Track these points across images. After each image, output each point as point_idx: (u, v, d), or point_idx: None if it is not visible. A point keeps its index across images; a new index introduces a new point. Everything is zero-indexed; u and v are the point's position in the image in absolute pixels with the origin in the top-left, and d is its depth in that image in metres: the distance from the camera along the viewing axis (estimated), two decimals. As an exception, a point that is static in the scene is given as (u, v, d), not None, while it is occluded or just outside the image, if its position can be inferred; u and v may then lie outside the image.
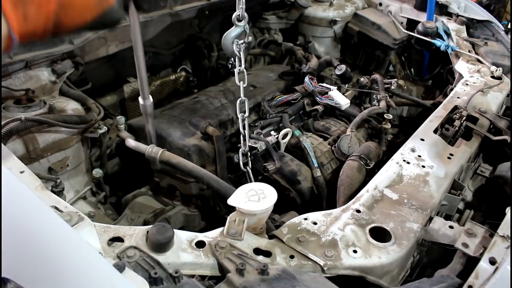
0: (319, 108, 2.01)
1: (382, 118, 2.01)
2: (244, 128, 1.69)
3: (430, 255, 1.19)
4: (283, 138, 1.82)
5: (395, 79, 2.27)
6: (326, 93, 2.04)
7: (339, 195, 1.48)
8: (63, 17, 0.81)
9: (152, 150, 1.52)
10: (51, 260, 0.76)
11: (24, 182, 0.97)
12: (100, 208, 1.69)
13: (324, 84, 2.09)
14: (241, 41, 1.66)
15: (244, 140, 1.69)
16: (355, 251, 1.04)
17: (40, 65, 1.70)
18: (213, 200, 1.77)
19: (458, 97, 1.82)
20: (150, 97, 1.52)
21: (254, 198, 1.02)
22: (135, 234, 0.98)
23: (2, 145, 1.24)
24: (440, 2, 2.60)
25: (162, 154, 1.50)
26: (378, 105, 2.08)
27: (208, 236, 1.02)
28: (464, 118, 1.67)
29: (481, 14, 2.60)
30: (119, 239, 0.96)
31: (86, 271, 0.77)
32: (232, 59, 1.77)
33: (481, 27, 2.56)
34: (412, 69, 2.86)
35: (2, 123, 1.36)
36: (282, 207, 1.47)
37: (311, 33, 2.80)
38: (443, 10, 2.63)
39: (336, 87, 2.07)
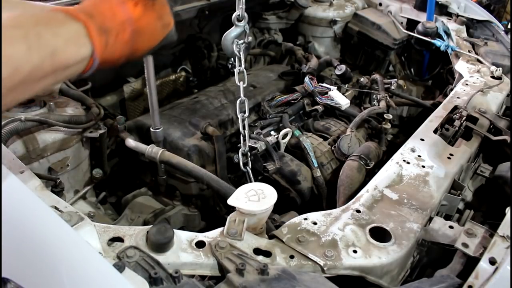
0: (319, 108, 2.01)
1: (382, 118, 2.01)
2: (244, 128, 1.69)
3: (430, 255, 1.19)
4: (283, 138, 1.82)
5: (395, 79, 2.27)
6: (326, 93, 2.04)
7: (339, 195, 1.48)
8: (136, 44, 0.86)
9: (152, 150, 1.52)
10: (51, 260, 0.76)
11: (24, 182, 0.96)
12: (100, 208, 1.70)
13: (324, 84, 2.09)
14: (241, 41, 1.66)
15: (244, 140, 1.69)
16: (355, 251, 1.04)
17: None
18: (213, 200, 1.77)
19: (458, 97, 1.82)
20: (161, 126, 1.61)
21: (254, 198, 1.02)
22: (135, 234, 0.98)
23: (2, 145, 1.24)
24: (440, 2, 2.60)
25: (162, 154, 1.50)
26: (378, 105, 2.08)
27: (208, 236, 1.02)
28: (464, 118, 1.67)
29: (481, 14, 2.60)
30: (119, 239, 0.96)
31: (86, 271, 0.77)
32: (232, 59, 1.77)
33: (481, 27, 2.56)
34: (412, 69, 2.86)
35: (2, 123, 1.36)
36: (282, 207, 1.47)
37: (311, 33, 2.80)
38: (443, 10, 2.63)
39: (336, 87, 2.07)
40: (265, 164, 1.73)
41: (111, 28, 0.80)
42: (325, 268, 0.99)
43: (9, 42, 0.62)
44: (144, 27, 0.87)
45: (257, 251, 1.01)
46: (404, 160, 1.40)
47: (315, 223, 1.11)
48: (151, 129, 1.60)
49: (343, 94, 2.09)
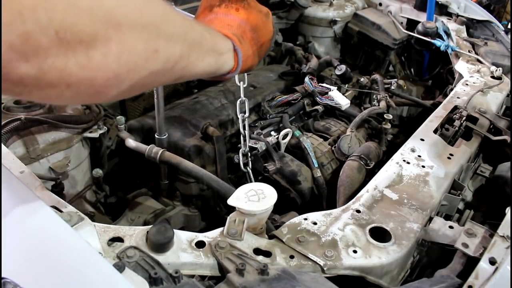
0: (319, 108, 2.01)
1: (382, 118, 2.01)
2: (244, 129, 1.69)
3: (430, 255, 1.19)
4: (283, 139, 1.82)
5: (395, 79, 2.27)
6: (326, 93, 2.04)
7: (339, 195, 1.48)
8: (258, 39, 0.96)
9: (152, 150, 1.52)
10: (51, 260, 0.76)
11: (24, 182, 0.97)
12: (100, 208, 1.70)
13: (324, 84, 2.09)
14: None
15: (244, 140, 1.69)
16: (355, 251, 1.04)
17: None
18: (213, 201, 1.77)
19: (458, 97, 1.82)
20: (166, 133, 1.63)
21: (254, 198, 1.02)
22: (135, 234, 0.98)
23: (2, 145, 1.24)
24: (440, 2, 2.60)
25: (162, 154, 1.50)
26: (378, 105, 2.08)
27: (208, 236, 1.02)
28: (464, 118, 1.67)
29: (481, 14, 2.60)
30: (119, 239, 0.97)
31: (86, 271, 0.77)
32: (232, 59, 1.76)
33: (481, 27, 2.56)
34: (412, 69, 2.86)
35: (2, 123, 1.36)
36: (282, 207, 1.47)
37: (311, 33, 2.80)
38: (443, 10, 2.63)
39: (336, 87, 2.07)
40: (265, 164, 1.73)
41: (235, 34, 0.88)
42: (325, 268, 0.99)
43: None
44: (255, 23, 0.95)
45: (257, 251, 1.01)
46: (404, 160, 1.40)
47: (315, 223, 1.11)
48: (156, 136, 1.60)
49: (343, 94, 2.09)
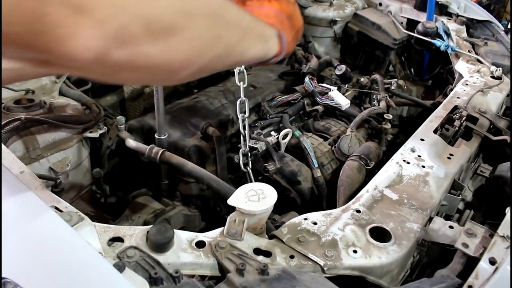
0: (319, 108, 2.01)
1: (382, 118, 2.01)
2: (244, 129, 1.69)
3: (430, 255, 1.19)
4: (283, 139, 1.82)
5: (395, 79, 2.27)
6: (326, 93, 2.04)
7: (339, 195, 1.48)
8: (294, 25, 1.02)
9: (152, 150, 1.52)
10: (51, 260, 0.76)
11: (24, 182, 0.97)
12: (100, 208, 1.70)
13: (324, 84, 2.09)
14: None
15: (245, 140, 1.69)
16: (355, 251, 1.04)
17: (40, 65, 1.69)
18: (213, 201, 1.77)
19: (458, 97, 1.82)
20: (166, 133, 1.63)
21: (254, 198, 1.02)
22: (135, 234, 0.98)
23: (2, 145, 1.24)
24: (440, 2, 2.60)
25: (162, 154, 1.50)
26: (378, 105, 2.08)
27: (208, 236, 1.02)
28: (464, 118, 1.67)
29: (481, 14, 2.60)
30: (119, 239, 0.97)
31: (86, 271, 0.77)
32: (232, 59, 1.76)
33: (481, 27, 2.56)
34: (412, 69, 2.86)
35: (2, 123, 1.36)
36: (282, 207, 1.47)
37: (311, 33, 2.80)
38: (443, 10, 2.63)
39: (336, 87, 2.07)
40: (265, 164, 1.73)
41: (274, 23, 0.94)
42: (325, 268, 0.99)
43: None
44: (289, 12, 1.01)
45: (257, 251, 1.01)
46: (404, 160, 1.40)
47: (315, 223, 1.11)
48: (156, 136, 1.60)
49: (343, 94, 2.09)
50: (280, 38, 0.92)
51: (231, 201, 1.03)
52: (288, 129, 1.83)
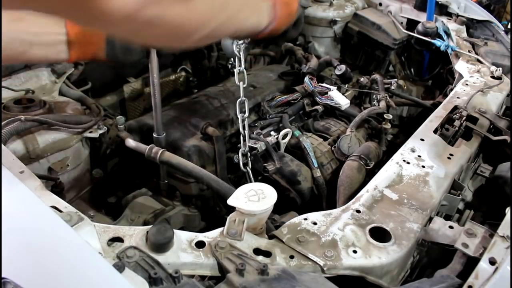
0: (319, 108, 2.01)
1: (382, 118, 2.01)
2: (244, 129, 1.69)
3: (430, 255, 1.19)
4: (283, 139, 1.82)
5: (395, 79, 2.27)
6: (326, 93, 2.04)
7: (339, 195, 1.48)
8: (290, 5, 1.09)
9: (152, 150, 1.52)
10: (51, 260, 0.76)
11: (24, 182, 0.97)
12: (100, 208, 1.69)
13: (324, 84, 2.09)
14: (241, 41, 1.66)
15: (244, 140, 1.69)
16: (355, 251, 1.04)
17: (40, 65, 1.69)
18: (213, 201, 1.77)
19: (458, 97, 1.82)
20: (164, 132, 1.63)
21: (254, 198, 1.02)
22: (135, 234, 0.98)
23: (2, 145, 1.24)
24: (440, 2, 2.59)
25: (162, 155, 1.50)
26: (378, 105, 2.08)
27: (208, 236, 1.02)
28: (464, 118, 1.67)
29: (481, 14, 2.60)
30: (119, 239, 0.97)
31: (86, 271, 0.77)
32: (232, 59, 1.77)
33: (481, 27, 2.56)
34: (412, 69, 2.86)
35: (2, 123, 1.36)
36: (282, 207, 1.47)
37: (311, 33, 2.80)
38: (443, 10, 2.63)
39: (336, 87, 2.07)
40: (265, 164, 1.73)
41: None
42: (325, 268, 0.99)
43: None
44: None
45: (257, 251, 1.01)
46: (404, 160, 1.40)
47: (315, 223, 1.11)
48: (154, 135, 1.60)
49: (343, 94, 2.09)
50: (273, 9, 1.00)
51: (231, 201, 1.03)
52: (287, 129, 1.83)
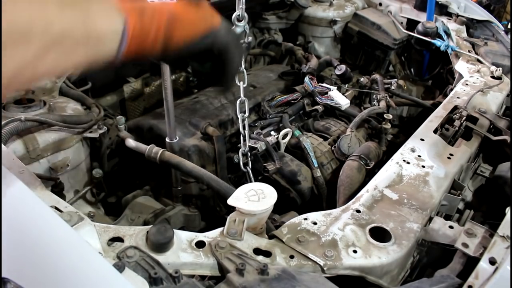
0: (319, 108, 2.01)
1: (382, 118, 2.01)
2: (244, 128, 1.69)
3: (430, 255, 1.19)
4: (283, 138, 1.82)
5: (395, 79, 2.27)
6: (326, 93, 2.04)
7: (339, 195, 1.48)
8: (172, 30, 0.79)
9: (152, 150, 1.52)
10: (51, 260, 0.76)
11: (24, 182, 0.96)
12: (100, 208, 1.70)
13: (324, 84, 2.09)
14: (241, 41, 1.66)
15: (244, 140, 1.69)
16: (355, 251, 1.04)
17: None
18: (213, 200, 1.77)
19: (458, 97, 1.82)
20: (177, 137, 1.59)
21: (254, 198, 1.02)
22: (135, 234, 0.98)
23: (2, 145, 1.24)
24: (440, 2, 2.60)
25: (162, 154, 1.50)
26: (378, 105, 2.08)
27: (208, 236, 1.02)
28: (464, 118, 1.67)
29: (481, 14, 2.60)
30: (119, 239, 0.96)
31: (86, 271, 0.77)
32: (232, 59, 1.76)
33: (481, 27, 2.56)
34: (412, 69, 2.86)
35: (2, 123, 1.36)
36: (282, 207, 1.47)
37: (311, 33, 2.80)
38: (443, 10, 2.64)
39: (336, 87, 2.07)
40: (265, 164, 1.73)
41: (147, 7, 0.75)
42: (325, 268, 0.99)
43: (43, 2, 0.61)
44: (182, 15, 0.81)
45: (257, 251, 1.00)
46: (404, 160, 1.40)
47: (315, 223, 1.11)
48: (167, 140, 1.57)
49: (343, 94, 2.09)
50: (125, 8, 0.72)
51: (231, 201, 1.03)
52: (288, 129, 1.83)
